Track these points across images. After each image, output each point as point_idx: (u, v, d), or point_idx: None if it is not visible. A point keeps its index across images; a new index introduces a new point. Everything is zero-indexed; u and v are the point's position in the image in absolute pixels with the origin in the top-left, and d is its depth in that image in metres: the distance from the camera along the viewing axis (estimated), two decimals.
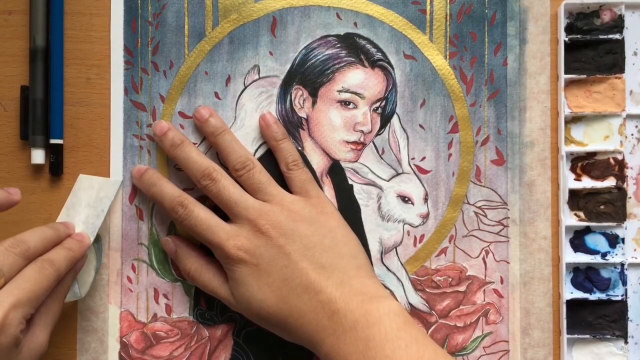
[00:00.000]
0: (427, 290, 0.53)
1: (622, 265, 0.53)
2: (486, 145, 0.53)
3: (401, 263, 0.54)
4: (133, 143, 0.54)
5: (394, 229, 0.54)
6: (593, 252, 0.53)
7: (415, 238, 0.54)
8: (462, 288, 0.53)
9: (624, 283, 0.53)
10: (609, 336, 0.53)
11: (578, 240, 0.53)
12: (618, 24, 0.53)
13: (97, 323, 0.54)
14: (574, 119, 0.53)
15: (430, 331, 0.53)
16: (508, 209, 0.53)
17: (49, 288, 0.46)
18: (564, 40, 0.52)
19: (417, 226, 0.54)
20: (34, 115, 0.53)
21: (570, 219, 0.53)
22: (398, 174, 0.54)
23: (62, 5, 0.53)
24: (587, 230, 0.53)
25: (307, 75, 0.53)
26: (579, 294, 0.53)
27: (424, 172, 0.53)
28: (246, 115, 0.53)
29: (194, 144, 0.53)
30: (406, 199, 0.53)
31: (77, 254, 0.49)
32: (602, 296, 0.53)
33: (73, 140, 0.54)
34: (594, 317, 0.53)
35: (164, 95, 0.54)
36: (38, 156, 0.53)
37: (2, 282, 0.44)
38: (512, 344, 0.53)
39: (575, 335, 0.52)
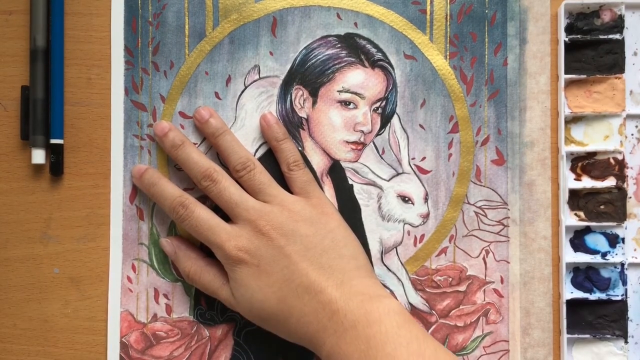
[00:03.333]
0: (428, 290, 0.53)
1: (622, 265, 0.53)
2: (486, 145, 0.53)
3: (401, 263, 0.54)
4: (133, 143, 0.54)
5: (394, 229, 0.54)
6: (593, 251, 0.53)
7: (415, 238, 0.54)
8: (462, 288, 0.53)
9: (624, 283, 0.53)
10: (609, 336, 0.53)
11: (578, 240, 0.53)
12: (618, 24, 0.53)
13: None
14: (574, 119, 0.53)
15: (430, 331, 0.53)
16: (508, 209, 0.53)
17: None
18: (564, 41, 0.52)
19: (417, 226, 0.54)
20: (35, 115, 0.53)
21: (570, 219, 0.53)
22: (398, 174, 0.54)
23: (62, 5, 0.53)
24: (587, 230, 0.53)
25: (308, 76, 0.53)
26: (579, 294, 0.53)
27: (424, 172, 0.54)
28: (246, 115, 0.54)
29: (195, 144, 0.53)
30: (406, 198, 0.54)
31: None
32: (602, 296, 0.53)
33: (73, 140, 0.54)
34: (594, 316, 0.53)
35: (164, 96, 0.54)
36: (38, 156, 0.53)
37: None
38: (512, 343, 0.53)
39: (575, 335, 0.52)
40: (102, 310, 0.54)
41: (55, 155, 0.53)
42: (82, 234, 0.54)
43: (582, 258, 0.53)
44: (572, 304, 0.52)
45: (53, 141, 0.53)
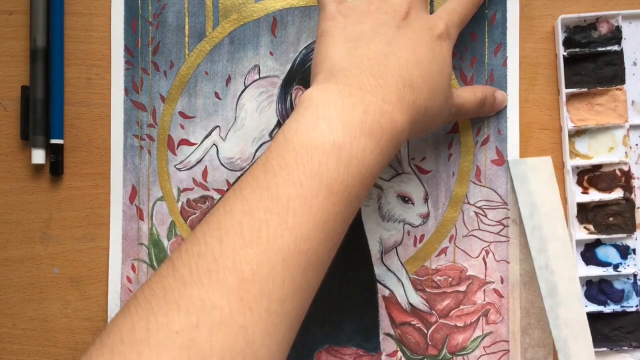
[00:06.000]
0: (428, 290, 0.53)
1: (635, 276, 0.52)
2: (486, 145, 0.53)
3: (401, 263, 0.54)
4: (133, 143, 0.54)
5: (394, 229, 0.54)
6: (605, 264, 0.53)
7: (415, 238, 0.54)
8: (462, 288, 0.53)
9: (638, 293, 0.52)
10: (626, 347, 0.52)
11: (589, 254, 0.53)
12: (616, 35, 0.52)
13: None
14: (578, 133, 0.53)
15: (430, 331, 0.53)
16: (508, 209, 0.53)
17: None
18: (563, 55, 0.52)
19: (417, 226, 0.54)
20: (35, 116, 0.53)
21: (580, 233, 0.52)
22: (398, 174, 0.54)
23: (62, 5, 0.53)
24: (598, 242, 0.53)
25: (308, 76, 0.53)
26: (594, 307, 0.52)
27: (424, 172, 0.53)
28: (246, 115, 0.54)
29: (194, 144, 0.53)
30: (406, 198, 0.53)
31: None
32: (617, 308, 0.52)
33: (73, 140, 0.54)
34: (610, 329, 0.52)
35: (164, 95, 0.54)
36: (38, 156, 0.53)
37: None
38: (512, 343, 0.53)
39: (594, 349, 0.51)
40: (102, 310, 0.54)
41: (55, 155, 0.53)
42: (82, 234, 0.54)
43: (594, 271, 0.52)
44: (587, 317, 0.52)
45: (53, 141, 0.53)
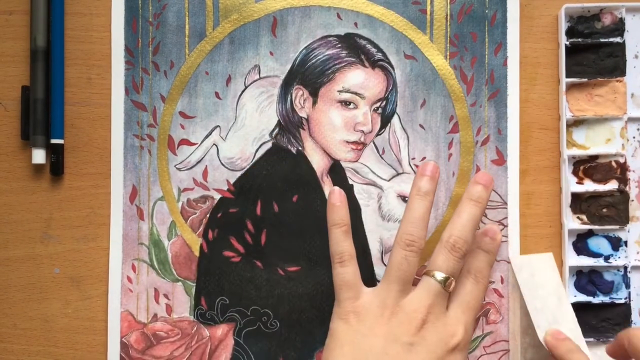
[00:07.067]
0: None
1: (625, 268, 0.52)
2: (486, 145, 0.53)
3: None
4: (133, 143, 0.54)
5: (394, 229, 0.54)
6: (596, 255, 0.53)
7: None
8: None
9: (627, 286, 0.52)
10: (612, 339, 0.52)
11: (581, 244, 0.53)
12: (619, 27, 0.52)
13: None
14: (576, 122, 0.53)
15: None
16: (508, 209, 0.53)
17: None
18: (565, 44, 0.52)
19: None
20: (35, 115, 0.53)
21: (573, 222, 0.53)
22: (398, 174, 0.54)
23: (62, 5, 0.53)
24: (590, 233, 0.53)
25: (308, 76, 0.53)
26: (582, 297, 0.52)
27: None
28: (247, 115, 0.54)
29: (194, 144, 0.53)
30: (406, 198, 0.53)
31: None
32: (606, 299, 0.52)
33: (74, 140, 0.54)
34: (598, 320, 0.53)
35: (164, 95, 0.54)
36: (39, 156, 0.53)
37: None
38: (512, 343, 0.53)
39: None
40: (102, 310, 0.54)
41: (56, 155, 0.53)
42: (82, 234, 0.54)
43: (585, 262, 0.53)
44: (575, 307, 0.52)
45: (53, 141, 0.53)
